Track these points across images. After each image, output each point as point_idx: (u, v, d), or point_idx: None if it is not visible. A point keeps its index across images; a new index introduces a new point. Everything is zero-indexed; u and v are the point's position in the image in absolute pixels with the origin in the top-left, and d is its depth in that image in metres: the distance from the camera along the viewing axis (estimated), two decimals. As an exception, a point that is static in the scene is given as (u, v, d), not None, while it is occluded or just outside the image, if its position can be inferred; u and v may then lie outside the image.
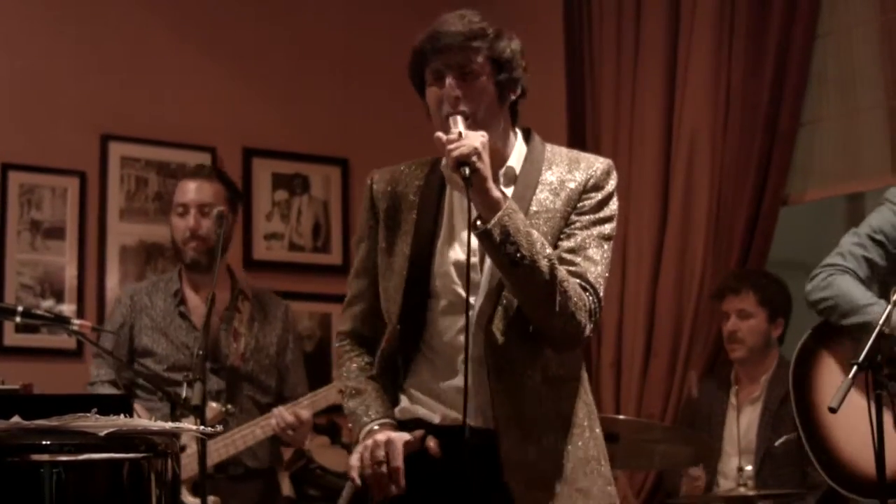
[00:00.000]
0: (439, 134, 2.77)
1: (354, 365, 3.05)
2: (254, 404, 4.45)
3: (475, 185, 2.70)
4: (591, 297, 2.84)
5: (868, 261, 3.95)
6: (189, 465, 4.09)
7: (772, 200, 5.28)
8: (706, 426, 4.95)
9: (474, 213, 2.74)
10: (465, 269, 2.77)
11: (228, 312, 4.50)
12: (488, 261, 2.83)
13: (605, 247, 2.92)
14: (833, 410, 3.19)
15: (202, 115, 6.15)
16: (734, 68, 5.40)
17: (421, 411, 2.93)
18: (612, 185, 2.97)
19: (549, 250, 2.77)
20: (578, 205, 2.91)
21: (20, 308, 3.76)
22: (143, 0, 6.10)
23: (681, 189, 5.52)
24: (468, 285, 2.75)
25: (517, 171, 2.95)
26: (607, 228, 2.93)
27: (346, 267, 6.34)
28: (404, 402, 2.96)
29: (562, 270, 2.78)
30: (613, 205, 2.96)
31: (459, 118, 2.81)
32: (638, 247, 5.62)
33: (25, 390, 3.08)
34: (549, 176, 2.95)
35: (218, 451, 4.30)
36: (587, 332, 2.85)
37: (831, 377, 4.02)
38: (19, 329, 5.48)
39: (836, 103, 5.31)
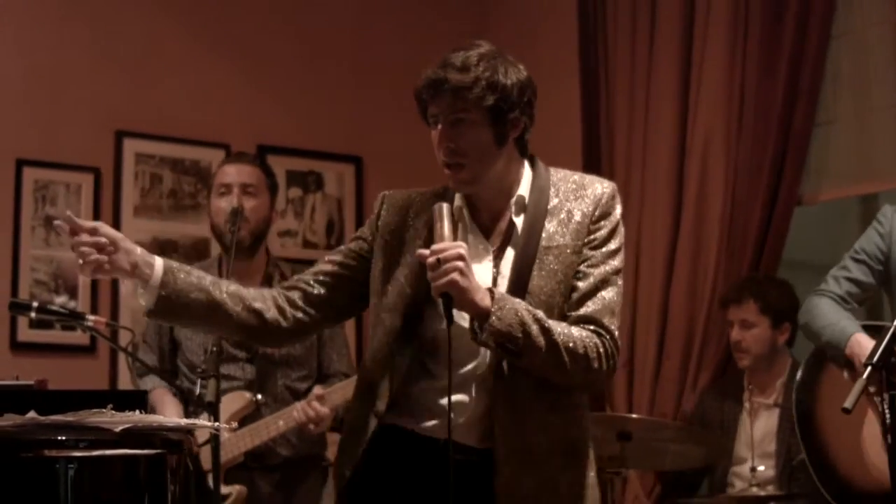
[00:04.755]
0: (420, 252, 2.81)
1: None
2: (289, 392, 4.41)
3: (460, 306, 2.77)
4: (606, 340, 2.90)
5: (850, 280, 4.10)
6: (223, 453, 4.09)
7: (786, 201, 5.27)
8: (716, 430, 4.94)
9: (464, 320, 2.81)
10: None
11: None
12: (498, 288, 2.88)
13: (619, 282, 2.97)
14: (847, 411, 3.20)
15: (216, 111, 6.15)
16: (748, 69, 5.39)
17: (413, 422, 2.94)
18: (618, 210, 3.01)
19: (543, 322, 2.80)
20: (588, 237, 2.95)
21: (35, 303, 3.77)
22: (158, -3, 6.12)
23: (695, 189, 5.51)
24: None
25: (527, 199, 2.98)
26: (618, 261, 2.98)
27: (359, 265, 6.36)
28: (394, 410, 2.95)
29: (566, 334, 2.83)
30: (622, 233, 3.01)
31: (445, 210, 2.84)
32: (651, 247, 5.61)
33: (40, 386, 3.09)
34: (555, 201, 2.97)
35: (245, 441, 4.30)
36: (604, 375, 2.93)
37: (832, 394, 4.06)
38: (33, 325, 5.47)
39: (851, 104, 5.30)
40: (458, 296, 2.74)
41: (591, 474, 2.98)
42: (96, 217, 5.79)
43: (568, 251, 2.93)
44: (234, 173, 4.48)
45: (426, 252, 2.78)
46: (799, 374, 4.33)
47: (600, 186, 3.00)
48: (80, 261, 2.81)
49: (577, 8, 6.15)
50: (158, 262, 2.90)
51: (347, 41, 6.54)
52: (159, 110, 6.02)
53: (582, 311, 2.89)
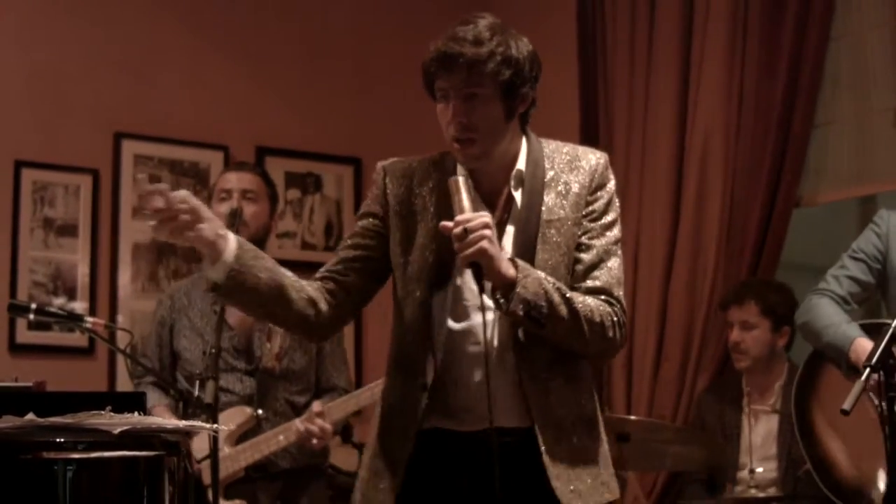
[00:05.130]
0: (444, 224, 2.80)
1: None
2: (289, 406, 4.41)
3: (488, 276, 2.77)
4: (617, 309, 2.94)
5: (850, 278, 4.11)
6: (224, 468, 4.10)
7: (784, 202, 5.27)
8: (717, 435, 4.94)
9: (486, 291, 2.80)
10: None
11: None
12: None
13: (619, 252, 3.00)
14: (846, 413, 3.20)
15: (215, 113, 6.16)
16: (748, 70, 5.40)
17: (447, 422, 2.94)
18: (612, 179, 3.04)
19: (563, 291, 2.84)
20: (587, 209, 2.98)
21: (34, 305, 3.78)
22: (156, -2, 6.12)
23: (693, 190, 5.51)
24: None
25: (524, 172, 2.98)
26: (616, 231, 3.01)
27: (357, 266, 6.36)
28: (429, 411, 2.94)
29: (583, 303, 2.86)
30: (616, 203, 3.04)
31: (462, 182, 2.84)
32: (650, 248, 5.61)
33: (38, 388, 3.08)
34: (551, 173, 2.99)
35: (245, 456, 4.30)
36: (619, 342, 2.96)
37: (830, 396, 4.06)
38: (31, 326, 5.49)
39: (850, 105, 5.30)
40: (486, 264, 2.75)
41: (605, 440, 3.04)
42: (94, 219, 5.79)
43: (569, 223, 2.95)
44: (234, 180, 4.50)
45: (450, 224, 2.78)
46: (798, 374, 4.34)
47: (594, 157, 3.03)
48: (160, 219, 2.72)
49: (576, 9, 6.16)
50: (231, 238, 2.85)
51: (346, 43, 6.55)
52: (158, 112, 6.02)
53: (590, 282, 2.93)
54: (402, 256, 2.99)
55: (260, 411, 4.32)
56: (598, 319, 2.87)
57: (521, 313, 2.78)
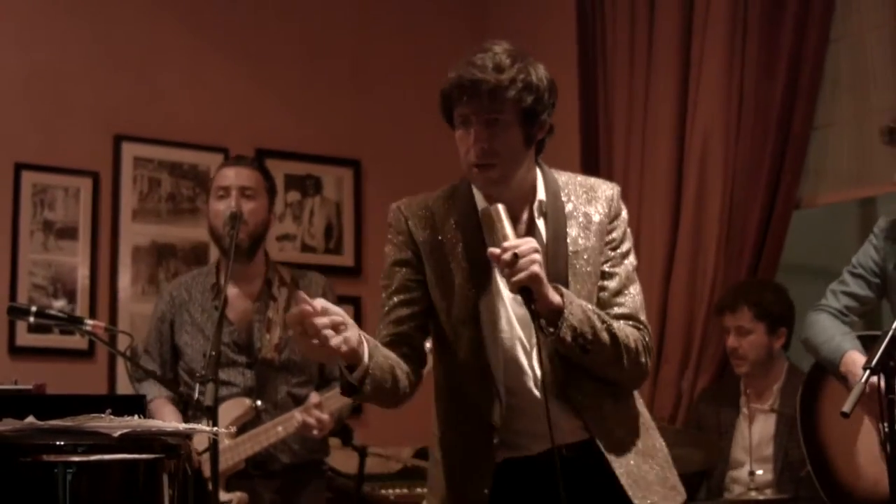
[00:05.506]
0: (493, 250, 2.79)
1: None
2: (290, 398, 4.40)
3: (538, 301, 2.78)
4: (645, 333, 2.99)
5: (848, 294, 4.14)
6: (224, 460, 4.09)
7: (784, 204, 5.27)
8: (714, 436, 4.94)
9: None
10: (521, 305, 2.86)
11: (261, 303, 4.45)
12: None
13: (637, 277, 3.07)
14: (845, 415, 3.21)
15: (215, 115, 6.16)
16: (747, 71, 5.39)
17: (515, 452, 2.98)
18: (625, 210, 3.10)
19: (603, 318, 2.88)
20: (608, 238, 3.02)
21: (34, 308, 3.77)
22: (156, 0, 6.11)
23: (693, 192, 5.51)
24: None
25: (545, 203, 3.00)
26: (633, 258, 3.08)
27: (357, 268, 6.36)
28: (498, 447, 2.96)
29: (620, 329, 2.91)
30: (629, 232, 3.10)
31: (502, 210, 2.83)
32: (650, 250, 5.61)
33: (38, 390, 3.09)
34: (570, 207, 3.02)
35: (245, 447, 4.30)
36: (648, 368, 3.02)
37: (835, 403, 4.07)
38: (31, 329, 5.49)
39: (849, 107, 5.30)
40: (538, 289, 2.76)
41: (667, 455, 3.08)
42: (94, 222, 5.79)
43: (596, 253, 3.00)
44: (232, 176, 4.47)
45: (497, 250, 2.77)
46: (804, 380, 4.36)
47: (608, 188, 3.08)
48: (315, 341, 2.64)
49: (575, 10, 6.16)
50: (364, 338, 2.82)
51: (346, 45, 6.55)
52: (158, 114, 6.03)
53: (618, 309, 2.97)
54: (444, 301, 2.99)
55: (259, 402, 4.31)
56: (633, 345, 2.93)
57: (569, 339, 2.81)
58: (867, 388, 3.28)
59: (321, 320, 2.63)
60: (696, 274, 5.48)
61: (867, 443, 4.06)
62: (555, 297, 2.80)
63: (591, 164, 5.92)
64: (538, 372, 2.90)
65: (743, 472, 4.73)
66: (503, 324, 2.95)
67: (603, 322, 2.87)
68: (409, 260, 3.03)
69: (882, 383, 3.30)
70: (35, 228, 5.71)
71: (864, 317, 4.34)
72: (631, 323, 2.97)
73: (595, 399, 2.94)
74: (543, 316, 2.80)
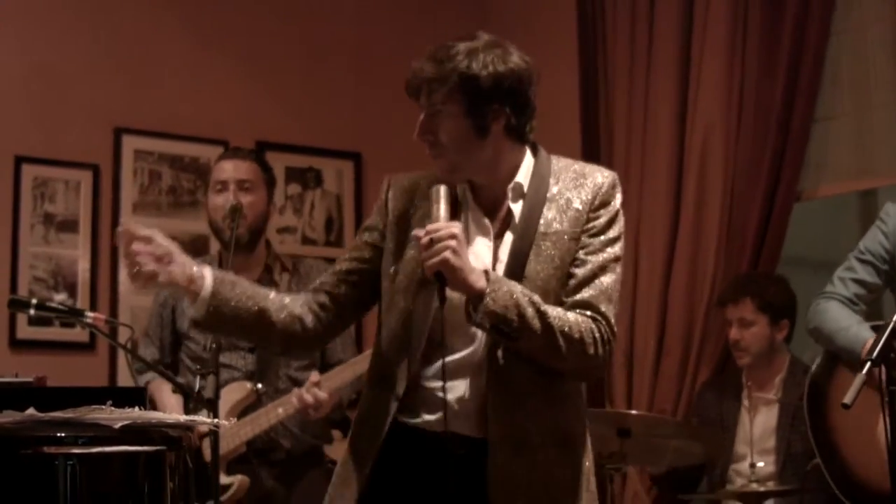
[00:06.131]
0: (416, 232, 2.84)
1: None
2: (292, 382, 4.38)
3: (453, 286, 2.77)
4: (602, 325, 2.88)
5: (857, 281, 4.11)
6: (224, 443, 4.09)
7: (785, 197, 5.27)
8: (716, 428, 4.94)
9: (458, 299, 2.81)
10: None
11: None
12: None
13: (617, 270, 2.95)
14: (846, 406, 3.20)
15: (215, 108, 6.15)
16: (748, 65, 5.39)
17: (416, 420, 2.94)
18: (618, 199, 3.00)
19: (538, 305, 2.80)
20: (588, 225, 2.94)
21: (34, 300, 3.77)
22: (156, -6, 6.12)
23: (694, 185, 5.51)
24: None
25: (525, 186, 2.97)
26: (617, 249, 2.96)
27: (358, 261, 6.35)
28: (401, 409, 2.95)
29: (559, 318, 2.82)
30: (621, 222, 3.00)
31: (443, 191, 2.86)
32: (651, 243, 5.61)
33: (39, 383, 3.09)
34: (555, 189, 2.97)
35: (245, 430, 4.30)
36: (601, 359, 2.91)
37: (843, 395, 4.05)
38: (32, 322, 5.48)
39: (850, 101, 5.30)
40: (450, 275, 2.75)
41: (587, 464, 2.98)
42: (95, 215, 5.79)
43: (565, 238, 2.92)
44: (230, 169, 4.47)
45: (420, 232, 2.80)
46: (812, 372, 4.34)
47: (600, 176, 3.00)
48: (133, 269, 2.82)
49: (576, 6, 6.15)
50: (208, 273, 2.93)
51: (346, 37, 6.54)
52: (158, 107, 6.02)
53: (578, 296, 2.89)
54: (392, 267, 3.00)
55: (259, 386, 4.31)
56: (576, 335, 2.83)
57: (487, 326, 2.77)
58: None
59: (141, 247, 2.82)
60: (696, 267, 5.47)
61: (879, 432, 4.03)
62: (478, 283, 2.76)
63: (592, 159, 5.89)
64: (478, 342, 2.88)
65: (744, 465, 4.73)
66: (456, 303, 2.85)
67: (536, 309, 2.78)
68: (376, 226, 3.09)
69: (883, 375, 3.29)
70: (35, 221, 5.70)
71: (870, 305, 4.31)
72: (588, 313, 2.86)
73: (520, 397, 2.86)
74: (469, 301, 2.78)
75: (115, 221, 5.84)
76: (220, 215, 4.36)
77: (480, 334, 2.87)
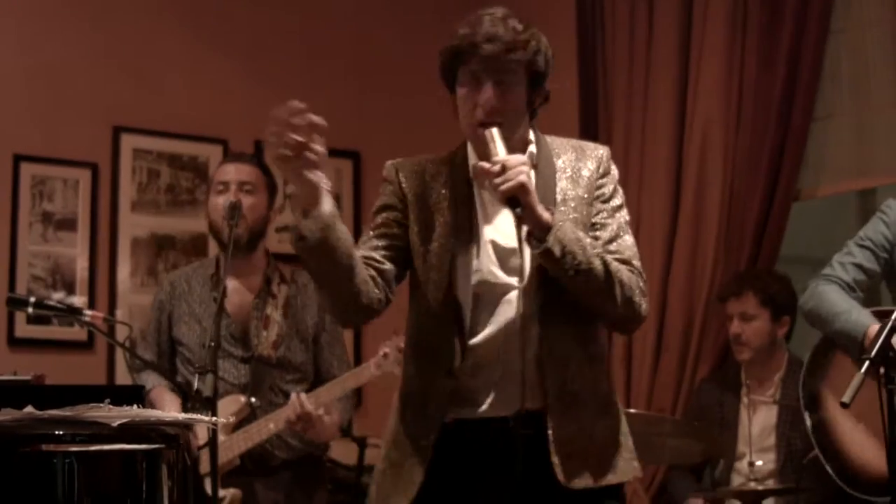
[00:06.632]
0: (482, 164, 2.82)
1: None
2: (284, 396, 4.36)
3: (526, 217, 2.78)
4: (640, 278, 2.96)
5: (857, 266, 4.09)
6: (219, 456, 4.08)
7: (784, 196, 5.27)
8: (716, 426, 4.94)
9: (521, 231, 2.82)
10: (507, 257, 2.92)
11: (259, 299, 4.44)
12: (526, 248, 2.86)
13: (630, 230, 3.04)
14: (845, 405, 3.20)
15: (214, 107, 6.15)
16: (747, 63, 5.40)
17: (468, 411, 2.95)
18: (615, 168, 3.10)
19: (597, 248, 2.87)
20: (597, 192, 3.02)
21: (32, 299, 3.77)
22: (155, -8, 6.11)
23: (693, 183, 5.52)
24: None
25: (536, 156, 3.01)
26: (625, 213, 3.06)
27: (357, 260, 6.35)
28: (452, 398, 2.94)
29: (614, 263, 2.89)
30: (621, 190, 3.09)
31: (496, 132, 2.86)
32: (649, 241, 5.61)
33: (37, 381, 3.09)
34: (560, 162, 3.03)
35: (238, 444, 4.29)
36: (643, 312, 2.97)
37: (842, 382, 4.05)
38: (31, 320, 5.47)
39: (849, 99, 5.30)
40: (525, 199, 2.76)
41: (623, 422, 3.05)
42: (93, 213, 5.79)
43: (583, 202, 2.98)
44: (232, 171, 4.47)
45: (486, 164, 2.80)
46: (807, 360, 4.33)
47: (597, 148, 3.10)
48: (290, 150, 2.81)
49: (575, 4, 6.15)
50: (328, 194, 2.86)
51: (346, 36, 6.54)
52: (157, 106, 6.02)
53: (612, 256, 2.93)
54: (422, 245, 3.00)
55: (253, 399, 4.30)
56: (626, 280, 2.90)
57: (557, 253, 2.78)
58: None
59: (300, 138, 2.83)
60: (695, 265, 5.48)
61: (876, 419, 4.01)
62: (545, 213, 2.79)
63: (591, 156, 5.92)
64: (515, 314, 2.88)
65: (743, 463, 4.73)
66: (480, 274, 2.91)
67: (595, 249, 2.85)
68: (395, 205, 3.06)
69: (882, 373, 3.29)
70: (34, 220, 5.71)
71: (866, 293, 4.29)
72: (626, 267, 2.93)
73: (565, 359, 2.92)
74: (532, 231, 2.79)
75: (113, 220, 5.85)
76: (220, 215, 4.34)
77: (517, 303, 2.87)
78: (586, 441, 2.93)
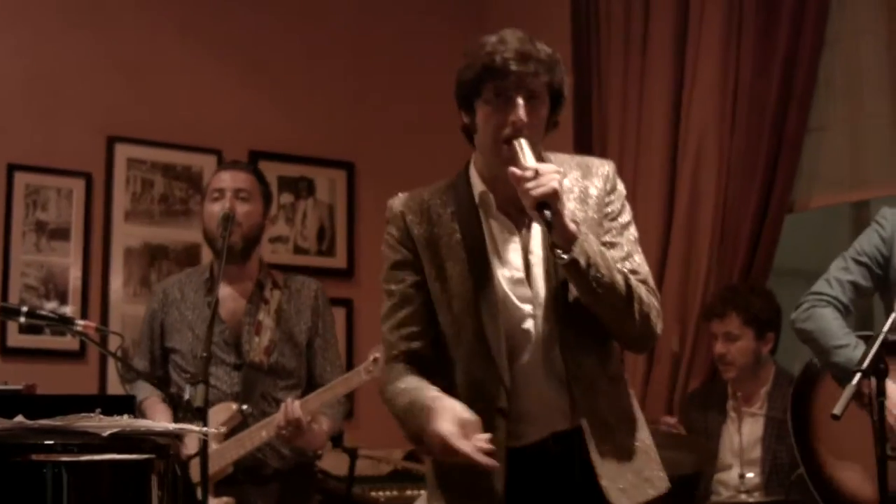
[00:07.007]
0: (513, 169, 2.81)
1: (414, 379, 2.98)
2: (277, 404, 4.34)
3: (555, 223, 2.78)
4: (655, 299, 2.99)
5: (853, 284, 4.03)
6: (211, 465, 4.06)
7: (777, 207, 5.26)
8: (701, 439, 4.94)
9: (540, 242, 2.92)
10: (518, 286, 2.94)
11: (252, 305, 4.43)
12: (537, 274, 2.92)
13: (640, 248, 3.07)
14: (836, 417, 3.21)
15: (208, 117, 6.15)
16: (742, 72, 5.40)
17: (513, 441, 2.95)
18: (621, 184, 3.11)
19: (618, 265, 2.89)
20: (607, 210, 3.03)
21: (24, 308, 3.76)
22: (150, 2, 6.11)
23: (686, 194, 5.52)
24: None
25: None
26: (634, 230, 3.09)
27: (350, 271, 6.35)
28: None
29: (633, 280, 2.91)
30: (628, 206, 3.10)
31: (525, 143, 2.87)
32: (643, 251, 5.59)
33: (29, 391, 3.08)
34: (567, 183, 3.00)
35: (230, 452, 4.28)
36: (659, 330, 3.00)
37: (828, 405, 4.04)
38: (23, 330, 5.47)
39: (843, 110, 5.30)
40: (556, 205, 2.76)
41: (648, 438, 3.07)
42: (87, 223, 5.79)
43: (595, 224, 2.99)
44: (228, 179, 4.47)
45: (517, 170, 2.81)
46: (795, 380, 4.33)
47: (602, 164, 3.11)
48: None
49: (570, 7, 6.16)
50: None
51: (340, 47, 6.54)
52: (151, 115, 6.02)
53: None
54: (443, 294, 2.99)
55: (245, 406, 4.29)
56: (645, 300, 2.92)
57: (582, 264, 2.79)
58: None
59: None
60: (688, 276, 5.48)
61: (863, 442, 4.01)
62: (571, 225, 2.80)
63: (585, 167, 5.92)
64: (535, 341, 2.91)
65: (731, 475, 4.73)
66: (503, 308, 2.93)
67: (618, 267, 2.87)
68: (407, 260, 3.03)
69: (873, 386, 3.30)
70: (27, 229, 5.70)
71: (858, 311, 4.28)
72: (644, 286, 2.95)
73: (592, 382, 2.93)
74: (558, 243, 2.80)
75: (106, 230, 5.85)
76: (214, 223, 4.33)
77: (536, 329, 2.91)
78: (625, 459, 2.96)
